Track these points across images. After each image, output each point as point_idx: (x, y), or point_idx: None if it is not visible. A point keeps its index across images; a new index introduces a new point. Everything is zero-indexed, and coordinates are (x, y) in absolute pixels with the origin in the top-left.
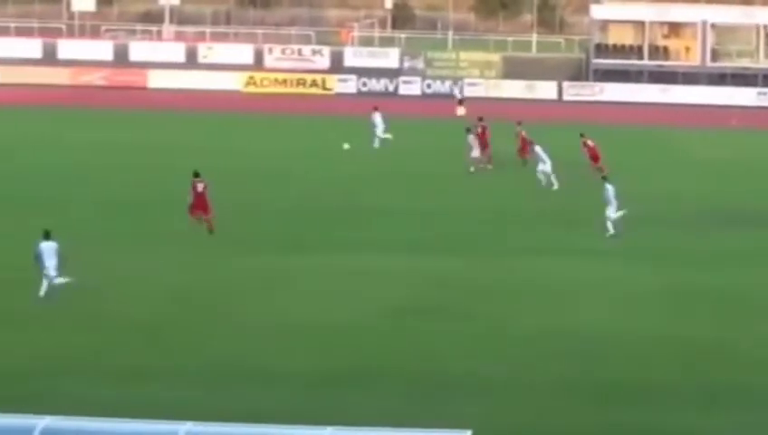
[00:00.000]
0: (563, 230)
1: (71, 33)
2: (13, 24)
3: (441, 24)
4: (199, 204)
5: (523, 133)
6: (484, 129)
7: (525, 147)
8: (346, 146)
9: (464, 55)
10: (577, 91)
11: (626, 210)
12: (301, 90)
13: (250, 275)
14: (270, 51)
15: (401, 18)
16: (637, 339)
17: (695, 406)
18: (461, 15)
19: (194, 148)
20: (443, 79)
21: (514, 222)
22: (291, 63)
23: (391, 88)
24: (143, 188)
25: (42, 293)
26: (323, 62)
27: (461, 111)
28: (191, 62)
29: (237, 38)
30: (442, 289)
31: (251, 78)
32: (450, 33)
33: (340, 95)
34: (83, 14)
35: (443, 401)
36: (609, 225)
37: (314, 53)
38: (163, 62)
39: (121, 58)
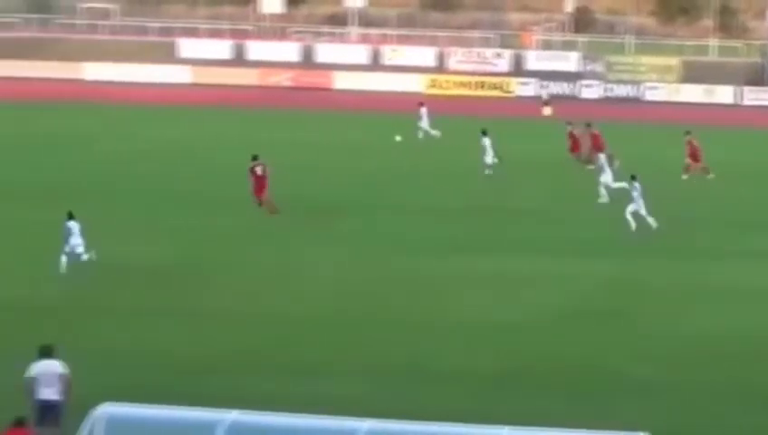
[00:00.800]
0: (720, 231)
1: (259, 35)
2: (204, 26)
3: (621, 27)
4: (258, 186)
5: (575, 132)
6: (595, 135)
7: (576, 145)
8: (398, 138)
9: (644, 59)
10: (756, 96)
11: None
12: (481, 92)
13: (412, 275)
14: (452, 53)
15: (582, 22)
16: None
17: None
18: (641, 19)
19: (373, 148)
20: (623, 83)
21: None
22: (472, 66)
23: (572, 91)
24: (318, 188)
25: (62, 270)
26: (504, 64)
27: (547, 111)
28: (375, 63)
29: (420, 41)
30: (607, 291)
31: (433, 80)
32: (630, 37)
33: (520, 98)
34: (271, 16)
35: (612, 402)
36: (631, 221)
37: (495, 55)
38: (348, 64)
39: (308, 59)
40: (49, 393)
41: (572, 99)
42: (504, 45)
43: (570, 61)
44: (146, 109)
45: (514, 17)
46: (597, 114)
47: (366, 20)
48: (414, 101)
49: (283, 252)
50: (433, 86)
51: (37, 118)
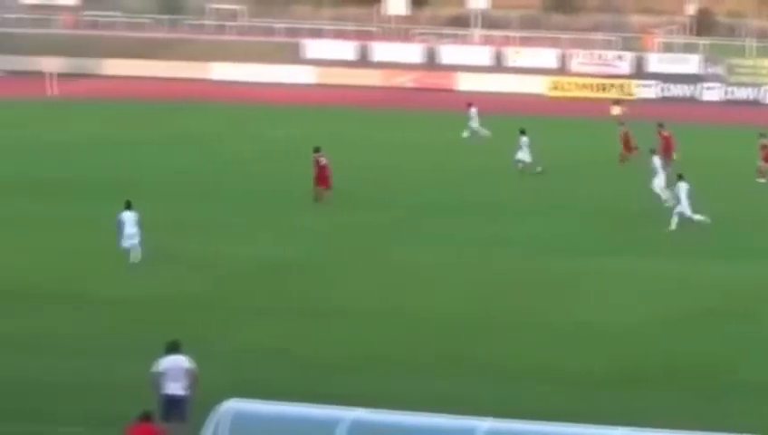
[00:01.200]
0: None
1: (383, 36)
2: (329, 27)
3: (742, 30)
4: (321, 178)
5: (628, 132)
6: (666, 136)
7: (628, 145)
8: (465, 134)
9: (765, 62)
10: None
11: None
12: (603, 94)
13: (523, 275)
14: (574, 55)
15: (703, 24)
16: None
17: None
18: (762, 22)
19: (492, 150)
20: (744, 85)
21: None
22: (594, 68)
23: (692, 94)
24: (432, 188)
25: (135, 260)
26: (625, 67)
27: (616, 110)
28: (498, 65)
29: (543, 42)
30: (722, 292)
31: (555, 82)
32: (751, 40)
33: (641, 100)
34: (396, 18)
35: (727, 404)
36: (674, 221)
37: (617, 58)
38: (471, 66)
39: (431, 61)
40: (175, 388)
41: (693, 101)
42: (625, 48)
43: (691, 63)
44: (271, 109)
45: (636, 19)
46: (717, 117)
47: (489, 22)
48: (538, 103)
49: (402, 251)
50: (555, 88)
51: (165, 117)
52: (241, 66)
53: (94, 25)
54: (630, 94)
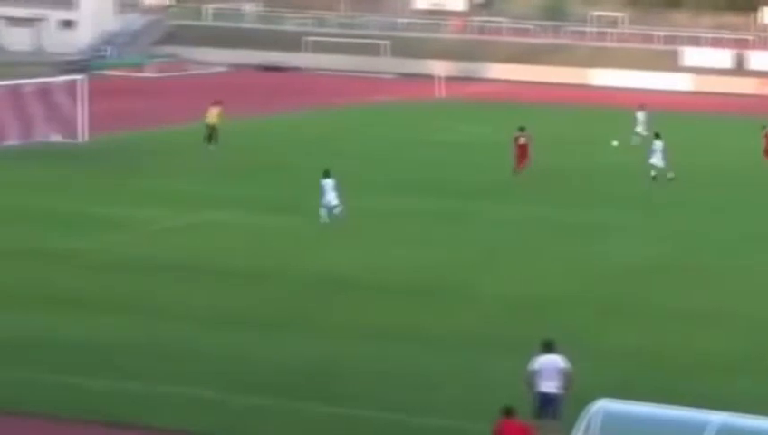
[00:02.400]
0: None
1: (760, 44)
2: (706, 35)
3: None
4: (521, 155)
5: None
6: None
7: None
8: (615, 143)
9: None
10: None
11: None
12: None
13: None
14: None
15: None
16: None
17: None
18: None
19: None
20: None
21: None
22: None
23: None
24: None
25: (324, 220)
26: None
27: None
28: None
29: None
30: None
31: None
32: None
33: None
34: None
35: None
36: None
37: None
38: None
39: None
40: (549, 387)
41: None
42: None
43: None
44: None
45: None
46: None
47: None
48: None
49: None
50: None
51: (544, 120)
52: (620, 72)
53: (481, 31)
54: None
